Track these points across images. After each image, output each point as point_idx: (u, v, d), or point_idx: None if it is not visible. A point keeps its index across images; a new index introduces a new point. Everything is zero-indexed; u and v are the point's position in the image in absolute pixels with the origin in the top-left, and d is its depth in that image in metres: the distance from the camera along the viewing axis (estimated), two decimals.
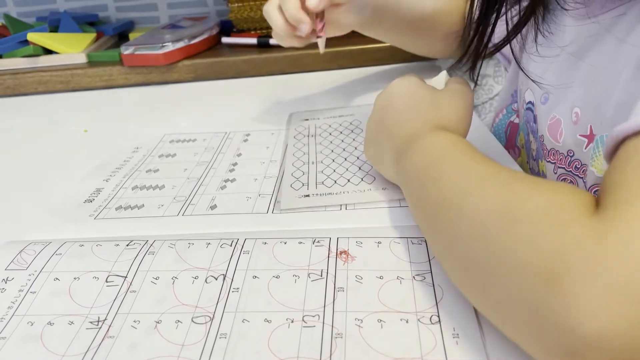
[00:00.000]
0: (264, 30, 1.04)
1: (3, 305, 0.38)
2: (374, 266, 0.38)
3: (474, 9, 0.51)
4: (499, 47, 0.51)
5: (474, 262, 0.31)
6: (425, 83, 0.48)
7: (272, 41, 0.94)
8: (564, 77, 0.48)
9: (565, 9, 0.46)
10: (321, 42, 0.62)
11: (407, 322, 0.33)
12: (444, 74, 0.51)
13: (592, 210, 0.27)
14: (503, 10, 0.48)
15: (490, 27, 0.50)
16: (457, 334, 0.32)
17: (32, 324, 0.36)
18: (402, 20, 0.68)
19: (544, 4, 0.47)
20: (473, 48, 0.52)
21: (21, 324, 0.36)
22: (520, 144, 0.62)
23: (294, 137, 0.63)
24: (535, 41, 0.48)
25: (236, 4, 1.02)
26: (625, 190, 0.27)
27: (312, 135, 0.63)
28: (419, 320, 0.34)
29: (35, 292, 0.39)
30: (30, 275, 0.41)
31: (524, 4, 0.46)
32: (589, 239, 0.25)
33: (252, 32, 1.03)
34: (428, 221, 0.37)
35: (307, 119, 0.68)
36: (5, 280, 0.40)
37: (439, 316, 0.34)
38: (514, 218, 0.29)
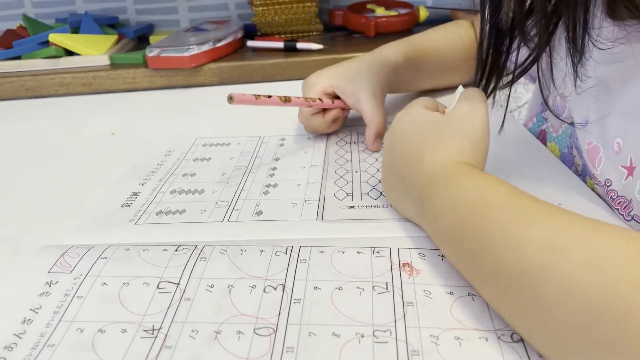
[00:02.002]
0: (287, 35, 1.03)
1: (49, 310, 0.36)
2: (442, 281, 0.37)
3: (484, 47, 0.47)
4: (513, 80, 0.47)
5: None
6: (429, 112, 0.44)
7: (299, 45, 0.93)
8: (601, 106, 0.45)
9: (600, 48, 0.41)
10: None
11: (486, 340, 0.32)
12: (460, 90, 0.46)
13: None
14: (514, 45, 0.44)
15: (502, 63, 0.47)
16: None
17: (81, 331, 0.34)
18: (433, 70, 0.70)
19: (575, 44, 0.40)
20: (485, 82, 0.48)
21: (70, 330, 0.34)
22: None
23: (336, 143, 0.61)
24: (575, 86, 0.44)
25: (260, 8, 1.01)
26: None
27: (355, 143, 0.61)
28: (499, 338, 0.32)
29: (82, 297, 0.37)
30: (75, 279, 0.39)
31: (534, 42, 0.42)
32: None
33: (277, 36, 1.01)
34: (489, 281, 0.33)
35: (348, 125, 0.66)
36: (49, 284, 0.38)
37: None
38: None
